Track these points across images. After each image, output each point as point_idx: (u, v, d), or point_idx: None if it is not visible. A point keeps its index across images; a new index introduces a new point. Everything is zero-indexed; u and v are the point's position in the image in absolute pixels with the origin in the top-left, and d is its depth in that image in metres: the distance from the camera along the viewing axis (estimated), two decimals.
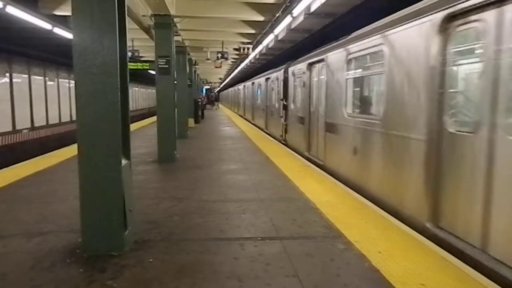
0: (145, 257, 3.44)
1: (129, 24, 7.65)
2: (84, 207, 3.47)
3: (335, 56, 7.44)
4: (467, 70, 4.11)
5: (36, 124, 19.96)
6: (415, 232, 4.04)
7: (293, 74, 11.16)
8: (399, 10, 5.33)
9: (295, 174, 7.00)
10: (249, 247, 3.69)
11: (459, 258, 3.39)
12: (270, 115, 15.71)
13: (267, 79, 16.22)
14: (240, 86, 30.77)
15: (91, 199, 3.46)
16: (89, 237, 3.50)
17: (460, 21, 3.82)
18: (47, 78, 21.53)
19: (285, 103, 12.08)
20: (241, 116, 27.81)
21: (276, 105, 13.86)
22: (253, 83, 21.78)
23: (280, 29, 11.69)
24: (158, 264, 3.31)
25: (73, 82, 3.46)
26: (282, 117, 12.50)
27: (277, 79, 13.62)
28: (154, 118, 9.99)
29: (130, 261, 3.35)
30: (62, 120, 22.95)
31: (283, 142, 12.24)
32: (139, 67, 13.25)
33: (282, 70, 12.68)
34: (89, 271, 3.16)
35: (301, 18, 11.45)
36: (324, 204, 5.04)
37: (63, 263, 3.30)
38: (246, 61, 22.29)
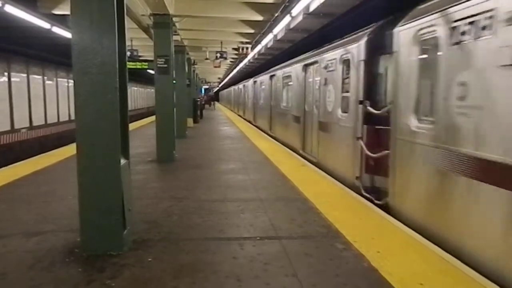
0: (144, 256, 3.44)
1: (128, 23, 7.66)
2: (83, 207, 3.47)
3: None
4: None
5: (35, 123, 19.93)
6: (414, 232, 4.05)
7: (416, 40, 4.60)
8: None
9: (294, 173, 7.00)
10: (248, 246, 3.69)
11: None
12: (317, 130, 8.41)
13: (308, 65, 9.51)
14: (248, 83, 22.81)
15: (90, 199, 3.46)
16: (88, 236, 3.50)
17: None
18: (45, 77, 21.51)
19: (371, 109, 5.83)
20: (250, 123, 20.58)
21: (339, 114, 7.09)
22: (272, 76, 14.72)
23: (279, 29, 11.70)
24: (157, 263, 3.31)
25: (72, 81, 3.46)
26: (360, 138, 6.15)
27: (340, 62, 7.11)
28: (153, 118, 9.98)
29: (129, 260, 3.35)
30: (61, 120, 22.92)
31: (365, 192, 5.89)
32: (138, 67, 13.27)
33: (362, 42, 6.16)
34: (88, 271, 3.15)
35: (300, 18, 11.45)
36: (323, 204, 5.05)
37: (62, 263, 3.30)
38: (245, 60, 22.29)
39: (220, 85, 59.62)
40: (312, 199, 5.31)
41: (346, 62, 6.94)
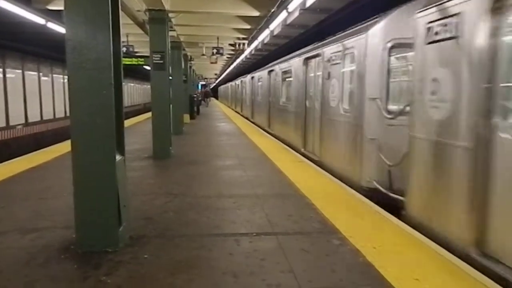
0: (140, 253, 3.43)
1: (124, 19, 7.60)
2: (78, 203, 3.46)
3: None
4: None
5: (30, 120, 19.85)
6: (410, 228, 4.06)
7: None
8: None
9: (291, 170, 7.00)
10: (244, 243, 3.69)
11: None
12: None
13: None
14: (294, 62, 10.60)
15: (85, 196, 3.45)
16: (84, 233, 3.48)
17: None
18: (41, 74, 21.39)
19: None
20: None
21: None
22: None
23: (275, 25, 11.66)
24: (153, 260, 3.31)
25: (67, 77, 3.43)
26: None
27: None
28: (149, 114, 9.94)
29: (125, 257, 3.34)
30: (57, 116, 22.84)
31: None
32: (134, 63, 13.21)
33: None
34: (84, 267, 3.14)
35: (296, 14, 11.42)
36: (319, 200, 5.05)
37: (57, 259, 3.29)
38: (242, 56, 22.23)
39: (217, 81, 59.34)
40: (308, 195, 5.31)
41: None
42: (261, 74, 16.32)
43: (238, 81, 29.09)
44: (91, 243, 3.46)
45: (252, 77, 19.81)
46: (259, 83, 17.26)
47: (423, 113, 4.15)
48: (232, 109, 32.14)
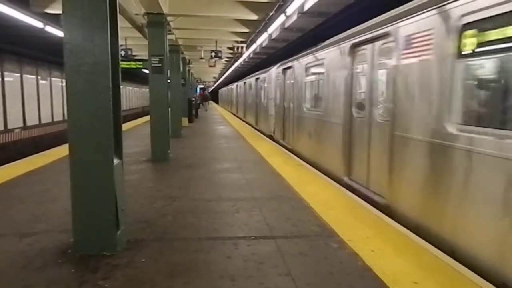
0: (137, 257, 3.42)
1: (122, 22, 7.61)
2: (75, 207, 3.44)
3: None
4: None
5: (28, 123, 19.81)
6: (408, 231, 4.06)
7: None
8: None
9: (289, 173, 6.99)
10: (242, 246, 3.68)
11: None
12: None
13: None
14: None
15: (83, 199, 3.44)
16: (81, 237, 3.47)
17: None
18: (39, 77, 21.37)
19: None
20: None
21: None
22: None
23: (273, 28, 11.68)
24: (151, 263, 3.29)
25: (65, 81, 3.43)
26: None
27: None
28: (148, 118, 9.93)
29: (123, 261, 3.33)
30: (55, 120, 22.80)
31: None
32: (133, 66, 13.19)
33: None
34: (81, 271, 3.13)
35: (294, 17, 11.45)
36: (318, 203, 5.04)
37: (54, 263, 3.28)
38: (240, 60, 22.27)
39: (216, 84, 59.17)
40: (307, 198, 5.30)
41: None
42: (315, 59, 8.53)
43: (251, 79, 20.47)
44: (88, 247, 3.44)
45: (285, 70, 11.68)
46: (304, 79, 9.50)
47: None
48: (241, 119, 23.71)
